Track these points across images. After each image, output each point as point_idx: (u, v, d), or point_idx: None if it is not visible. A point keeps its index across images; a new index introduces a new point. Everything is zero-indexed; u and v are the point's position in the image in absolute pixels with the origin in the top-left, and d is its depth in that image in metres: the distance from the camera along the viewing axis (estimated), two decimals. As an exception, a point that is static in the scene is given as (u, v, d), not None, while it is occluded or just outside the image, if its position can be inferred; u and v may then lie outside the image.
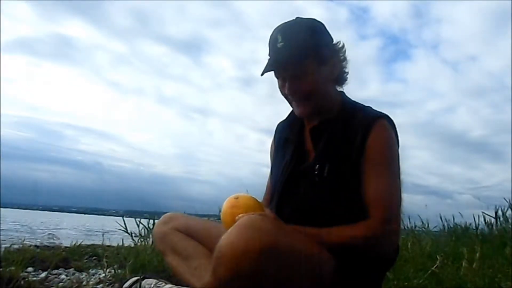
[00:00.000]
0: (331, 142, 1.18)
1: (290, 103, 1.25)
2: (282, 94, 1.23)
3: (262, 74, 1.16)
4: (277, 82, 1.23)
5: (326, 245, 1.04)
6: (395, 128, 1.20)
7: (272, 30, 1.19)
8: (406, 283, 1.98)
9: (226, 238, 0.89)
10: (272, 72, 1.20)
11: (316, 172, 1.16)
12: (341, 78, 1.26)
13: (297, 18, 1.20)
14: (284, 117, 1.37)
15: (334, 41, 1.23)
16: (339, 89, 1.28)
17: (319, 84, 1.18)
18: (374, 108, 1.24)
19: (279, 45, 1.14)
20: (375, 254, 1.10)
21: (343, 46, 1.23)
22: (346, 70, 1.26)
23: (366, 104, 1.25)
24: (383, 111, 1.21)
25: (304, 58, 1.14)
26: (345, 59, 1.24)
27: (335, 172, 1.14)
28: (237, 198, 1.12)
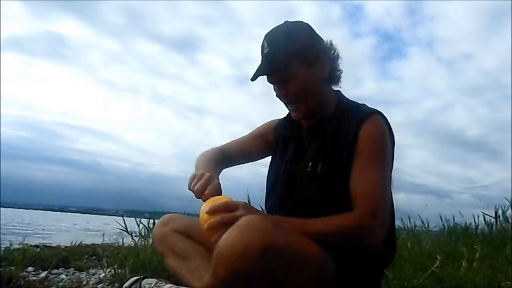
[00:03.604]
0: (324, 139, 1.20)
1: (286, 106, 1.27)
2: (278, 97, 1.26)
3: (251, 80, 1.20)
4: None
5: (311, 235, 1.03)
6: (389, 125, 1.21)
7: (266, 30, 1.23)
8: (406, 283, 1.99)
9: (226, 238, 0.89)
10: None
11: (309, 170, 1.18)
12: (334, 77, 1.26)
13: (285, 22, 1.23)
14: (282, 116, 1.39)
15: (324, 41, 1.24)
16: (335, 88, 1.29)
17: (308, 85, 1.20)
18: (370, 107, 1.24)
19: (265, 51, 1.19)
20: (359, 246, 1.08)
21: (333, 45, 1.24)
22: (339, 69, 1.26)
23: (362, 103, 1.26)
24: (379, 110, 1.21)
25: (289, 62, 1.17)
26: (336, 58, 1.25)
27: (328, 169, 1.16)
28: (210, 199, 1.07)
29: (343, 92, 1.31)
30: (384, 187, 1.13)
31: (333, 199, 1.13)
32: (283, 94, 1.22)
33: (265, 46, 1.19)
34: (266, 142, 1.42)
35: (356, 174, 1.12)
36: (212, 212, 1.01)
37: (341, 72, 1.27)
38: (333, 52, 1.24)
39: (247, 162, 1.47)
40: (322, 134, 1.21)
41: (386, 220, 1.09)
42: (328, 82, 1.26)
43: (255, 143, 1.44)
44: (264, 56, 1.20)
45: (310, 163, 1.18)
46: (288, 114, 1.36)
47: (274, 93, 1.26)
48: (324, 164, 1.16)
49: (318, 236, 1.03)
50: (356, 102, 1.27)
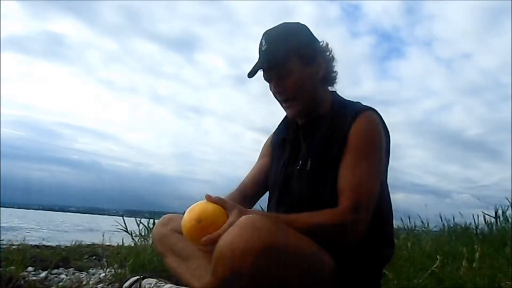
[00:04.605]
0: (317, 137, 1.21)
1: (281, 105, 1.27)
2: (273, 95, 1.27)
3: (249, 76, 1.21)
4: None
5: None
6: (383, 121, 1.22)
7: (265, 29, 1.24)
8: (406, 283, 1.99)
9: (226, 238, 0.89)
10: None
11: (298, 168, 1.20)
12: (329, 78, 1.28)
13: (283, 23, 1.25)
14: (280, 118, 1.40)
15: (320, 42, 1.26)
16: (331, 89, 1.31)
17: (303, 84, 1.21)
18: (364, 104, 1.24)
19: (263, 48, 1.21)
20: (341, 242, 1.08)
21: (329, 46, 1.26)
22: (334, 70, 1.28)
23: (356, 101, 1.27)
24: (377, 109, 1.22)
25: (286, 59, 1.18)
26: (331, 59, 1.26)
27: (318, 166, 1.17)
28: (200, 222, 1.02)
29: (341, 92, 1.32)
30: (370, 182, 1.12)
31: (323, 195, 1.14)
32: (279, 90, 1.23)
33: (263, 43, 1.21)
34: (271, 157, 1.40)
35: (344, 169, 1.13)
36: (208, 243, 0.97)
37: (336, 74, 1.28)
38: (328, 53, 1.25)
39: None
40: (315, 133, 1.22)
41: (369, 216, 1.09)
42: (323, 82, 1.27)
43: (265, 165, 1.40)
44: (262, 52, 1.21)
45: (301, 161, 1.20)
46: (285, 117, 1.38)
47: (271, 92, 1.26)
48: (314, 161, 1.18)
49: (302, 233, 1.02)
50: (350, 101, 1.28)
